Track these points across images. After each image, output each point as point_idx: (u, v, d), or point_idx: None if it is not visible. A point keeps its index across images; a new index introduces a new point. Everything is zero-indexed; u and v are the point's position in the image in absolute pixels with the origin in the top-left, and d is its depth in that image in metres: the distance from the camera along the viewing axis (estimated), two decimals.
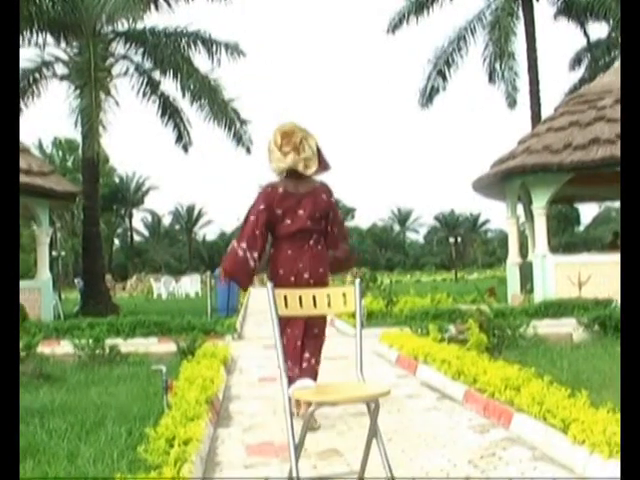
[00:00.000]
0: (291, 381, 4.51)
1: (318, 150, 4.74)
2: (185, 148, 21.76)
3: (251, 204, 4.76)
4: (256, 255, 4.60)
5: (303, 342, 4.78)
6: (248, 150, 20.58)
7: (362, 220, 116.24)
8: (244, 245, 4.59)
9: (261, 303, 21.17)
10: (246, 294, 28.02)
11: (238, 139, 20.30)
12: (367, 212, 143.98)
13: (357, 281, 3.43)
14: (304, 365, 4.81)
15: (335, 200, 4.88)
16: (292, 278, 4.62)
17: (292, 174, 4.68)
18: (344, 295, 3.43)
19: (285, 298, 3.33)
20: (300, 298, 3.38)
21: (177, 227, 79.09)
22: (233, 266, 4.65)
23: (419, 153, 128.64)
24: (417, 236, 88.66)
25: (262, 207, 4.64)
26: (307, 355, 4.83)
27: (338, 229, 4.84)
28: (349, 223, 78.98)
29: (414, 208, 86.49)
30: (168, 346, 9.29)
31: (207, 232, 79.55)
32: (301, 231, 4.65)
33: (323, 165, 4.78)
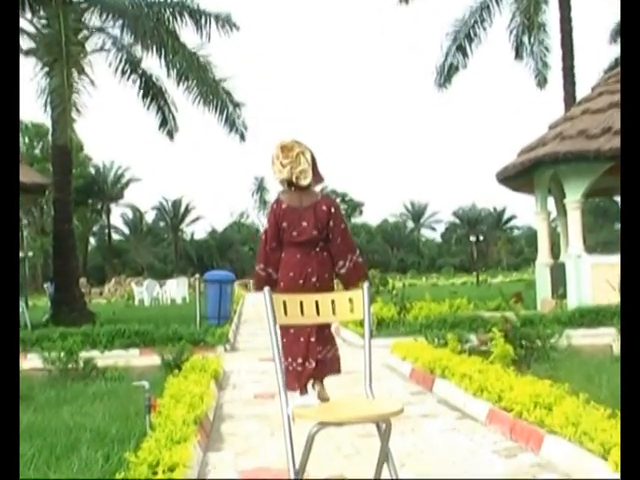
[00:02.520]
0: (304, 375, 5.52)
1: (314, 164, 5.85)
2: (170, 134, 21.76)
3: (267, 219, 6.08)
4: (271, 269, 5.80)
5: (317, 337, 5.59)
6: (242, 136, 20.55)
7: (371, 216, 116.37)
8: (262, 265, 5.82)
9: (257, 309, 21.21)
10: (240, 300, 28.07)
11: (231, 124, 20.26)
12: (377, 207, 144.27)
13: (365, 285, 3.42)
14: (329, 356, 5.71)
15: (337, 211, 5.89)
16: (301, 281, 5.63)
17: (294, 187, 5.80)
18: (351, 301, 3.42)
19: (284, 304, 3.32)
20: (301, 304, 3.37)
21: (161, 224, 79.22)
22: (261, 285, 5.73)
23: (436, 140, 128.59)
24: (433, 234, 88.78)
25: (269, 225, 5.86)
26: (322, 347, 5.70)
27: (342, 239, 5.82)
28: (357, 219, 78.95)
29: (430, 202, 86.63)
30: (151, 359, 9.30)
31: (196, 229, 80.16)
32: (309, 240, 5.72)
33: (318, 178, 5.92)
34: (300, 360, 5.56)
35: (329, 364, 5.74)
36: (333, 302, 3.44)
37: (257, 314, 19.87)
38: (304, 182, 5.75)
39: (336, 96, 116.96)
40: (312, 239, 5.72)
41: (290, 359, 5.55)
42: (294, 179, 5.74)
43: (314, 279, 5.64)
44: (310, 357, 5.56)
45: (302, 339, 5.55)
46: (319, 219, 5.74)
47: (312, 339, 5.56)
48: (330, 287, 5.72)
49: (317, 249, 5.74)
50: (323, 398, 5.55)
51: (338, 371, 5.87)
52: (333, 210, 5.84)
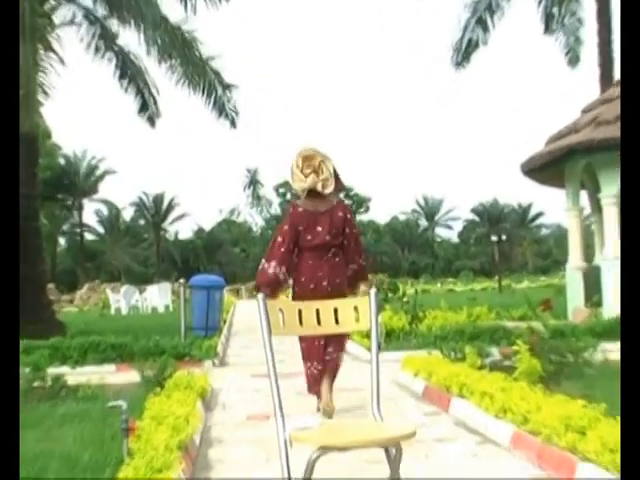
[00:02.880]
0: (315, 380, 6.49)
1: (335, 172, 6.62)
2: (151, 120, 21.77)
3: (280, 224, 6.97)
4: (284, 269, 6.55)
5: (326, 338, 6.31)
6: (233, 122, 20.54)
7: (379, 213, 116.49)
8: (274, 263, 6.54)
9: (249, 319, 21.22)
10: (230, 308, 28.10)
11: (220, 108, 20.24)
12: (386, 202, 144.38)
13: (372, 291, 3.42)
14: (327, 358, 6.52)
15: (351, 217, 6.78)
16: (312, 285, 6.43)
17: (312, 193, 6.59)
18: (356, 309, 3.42)
19: (281, 313, 3.32)
20: (300, 313, 3.37)
21: (141, 222, 79.37)
22: (265, 282, 6.57)
23: (452, 127, 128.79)
24: (450, 233, 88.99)
25: (286, 227, 6.64)
26: (330, 349, 6.53)
27: (354, 244, 6.69)
28: (363, 216, 78.98)
29: (446, 197, 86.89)
30: (129, 375, 9.31)
31: (180, 228, 80.00)
32: (322, 245, 6.53)
33: (339, 186, 6.72)
34: (315, 363, 6.45)
35: (331, 364, 6.60)
36: (336, 311, 3.43)
37: (249, 324, 19.88)
38: (328, 190, 6.56)
39: (341, 83, 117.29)
40: (325, 244, 6.54)
41: (309, 363, 6.43)
42: (319, 188, 6.54)
43: (325, 283, 6.44)
44: (320, 361, 6.47)
45: (316, 342, 6.36)
46: (334, 224, 6.57)
47: (322, 342, 6.36)
48: (342, 292, 6.37)
49: (329, 254, 6.56)
50: (329, 407, 6.12)
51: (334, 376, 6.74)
52: (349, 216, 6.74)
